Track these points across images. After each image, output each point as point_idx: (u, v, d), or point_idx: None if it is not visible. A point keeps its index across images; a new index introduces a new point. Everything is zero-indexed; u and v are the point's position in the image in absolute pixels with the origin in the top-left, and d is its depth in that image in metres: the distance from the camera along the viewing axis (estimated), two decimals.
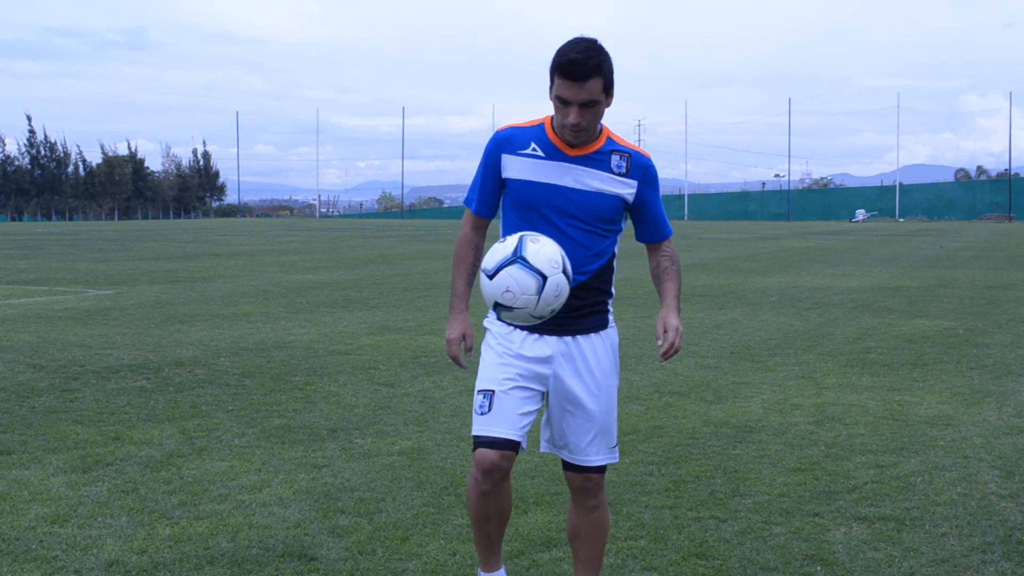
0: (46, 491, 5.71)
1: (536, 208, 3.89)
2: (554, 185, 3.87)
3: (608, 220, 3.93)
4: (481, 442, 3.90)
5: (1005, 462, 6.45)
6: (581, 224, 3.90)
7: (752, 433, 7.19)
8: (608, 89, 3.79)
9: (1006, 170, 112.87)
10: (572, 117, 3.76)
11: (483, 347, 4.05)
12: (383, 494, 5.72)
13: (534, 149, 3.88)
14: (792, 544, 4.95)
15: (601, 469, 4.08)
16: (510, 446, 3.88)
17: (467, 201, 4.11)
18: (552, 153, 3.87)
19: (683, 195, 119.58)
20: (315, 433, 7.15)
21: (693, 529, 5.16)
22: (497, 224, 4.12)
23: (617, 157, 3.90)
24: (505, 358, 3.94)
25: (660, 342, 3.92)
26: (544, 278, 3.67)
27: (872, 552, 4.85)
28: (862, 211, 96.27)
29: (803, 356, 10.69)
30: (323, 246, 37.98)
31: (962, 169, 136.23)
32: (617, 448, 4.12)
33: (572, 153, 3.87)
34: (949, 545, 4.95)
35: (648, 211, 4.01)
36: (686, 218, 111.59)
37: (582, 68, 3.68)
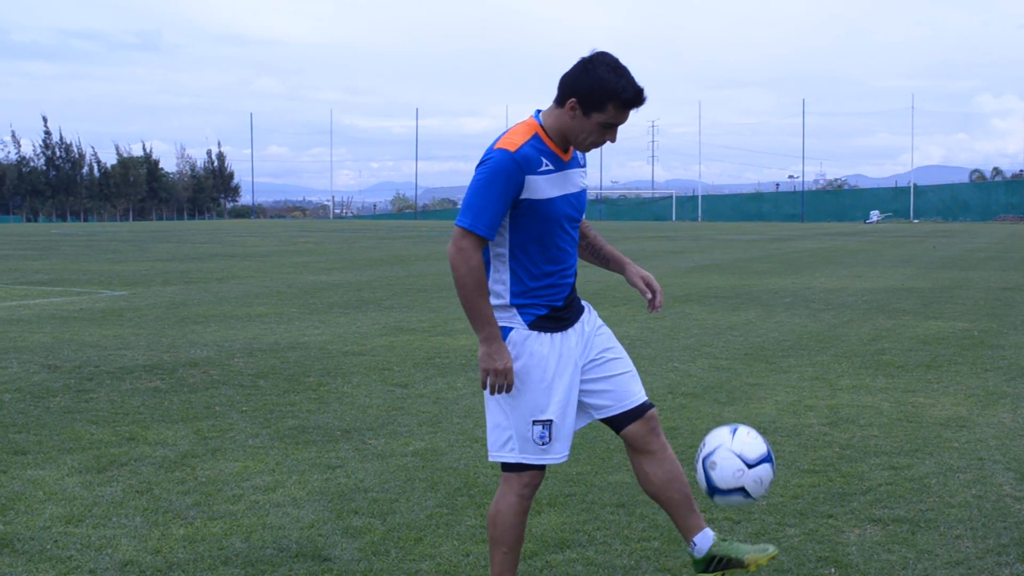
0: (61, 491, 5.74)
1: (556, 221, 3.93)
2: (567, 195, 3.96)
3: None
4: (537, 467, 3.99)
5: (1020, 464, 6.42)
6: (577, 223, 4.09)
7: (766, 434, 7.15)
8: None
9: (1021, 171, 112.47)
10: (611, 139, 3.94)
11: (518, 362, 3.93)
12: (397, 495, 5.72)
13: (546, 165, 3.88)
14: (806, 546, 4.94)
15: (653, 406, 4.22)
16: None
17: (471, 226, 3.79)
18: (558, 164, 3.94)
19: (697, 196, 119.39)
20: (329, 434, 7.16)
21: None
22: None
23: (577, 152, 4.06)
24: (551, 378, 3.95)
25: (648, 295, 4.20)
26: (743, 489, 4.13)
27: (886, 554, 4.84)
28: (876, 212, 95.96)
29: (817, 357, 10.67)
30: (337, 247, 38.04)
31: (977, 170, 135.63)
32: None
33: (566, 158, 3.97)
34: (964, 547, 4.93)
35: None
36: (700, 219, 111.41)
37: (644, 96, 3.85)
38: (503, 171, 3.77)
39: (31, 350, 10.93)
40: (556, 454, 3.96)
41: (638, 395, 4.14)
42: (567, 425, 3.98)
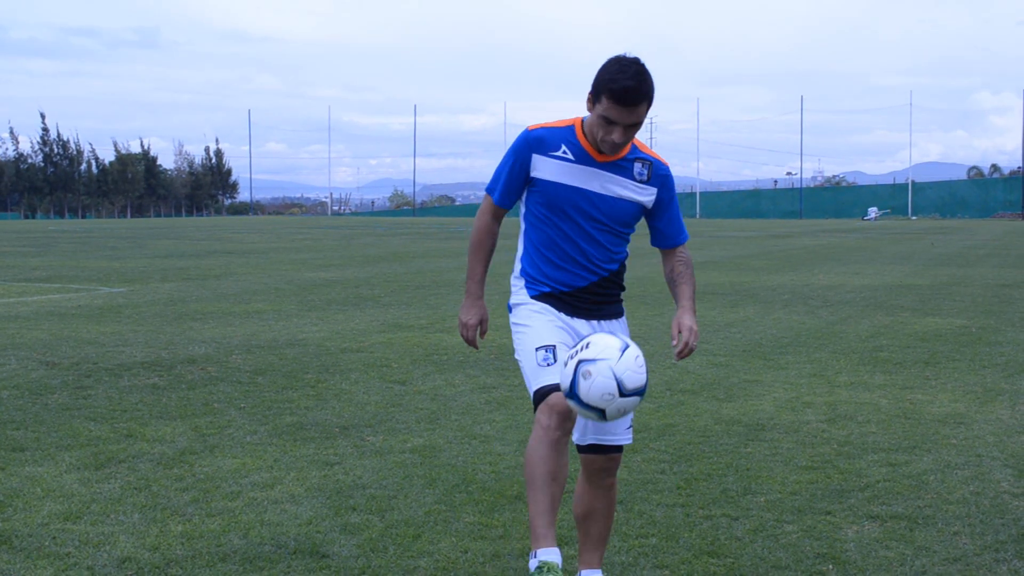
0: (59, 488, 5.74)
1: (563, 209, 4.07)
2: (582, 189, 4.04)
3: (627, 224, 4.16)
4: (550, 388, 3.95)
5: (1018, 460, 6.43)
6: (603, 227, 4.11)
7: (764, 431, 7.18)
8: (650, 108, 3.96)
9: (1019, 168, 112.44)
10: (616, 136, 3.94)
11: (521, 315, 4.17)
12: (395, 491, 5.72)
13: (564, 152, 4.04)
14: (804, 542, 4.94)
15: (620, 449, 4.20)
16: None
17: (489, 190, 4.24)
18: (582, 157, 4.04)
19: (695, 193, 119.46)
20: (327, 430, 7.16)
21: (704, 527, 5.16)
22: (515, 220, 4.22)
23: (639, 165, 4.09)
24: (556, 322, 4.11)
25: (675, 342, 4.07)
26: (603, 411, 3.80)
27: (884, 551, 4.84)
28: (874, 209, 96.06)
29: (815, 354, 10.67)
30: (335, 244, 38.04)
31: (975, 167, 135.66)
32: (631, 428, 4.24)
33: (600, 159, 4.05)
34: (961, 544, 4.93)
35: (664, 217, 4.21)
36: (698, 216, 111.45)
37: (634, 95, 3.86)
38: (515, 145, 4.11)
39: (29, 347, 10.93)
40: (557, 374, 4.00)
41: (611, 437, 4.14)
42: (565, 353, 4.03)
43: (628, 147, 4.08)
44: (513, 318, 4.23)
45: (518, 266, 4.26)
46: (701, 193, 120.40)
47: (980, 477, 6.05)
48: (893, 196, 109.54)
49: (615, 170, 4.05)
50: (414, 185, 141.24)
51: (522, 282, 4.22)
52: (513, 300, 4.25)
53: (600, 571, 4.29)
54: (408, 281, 20.13)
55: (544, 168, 4.06)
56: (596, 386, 3.74)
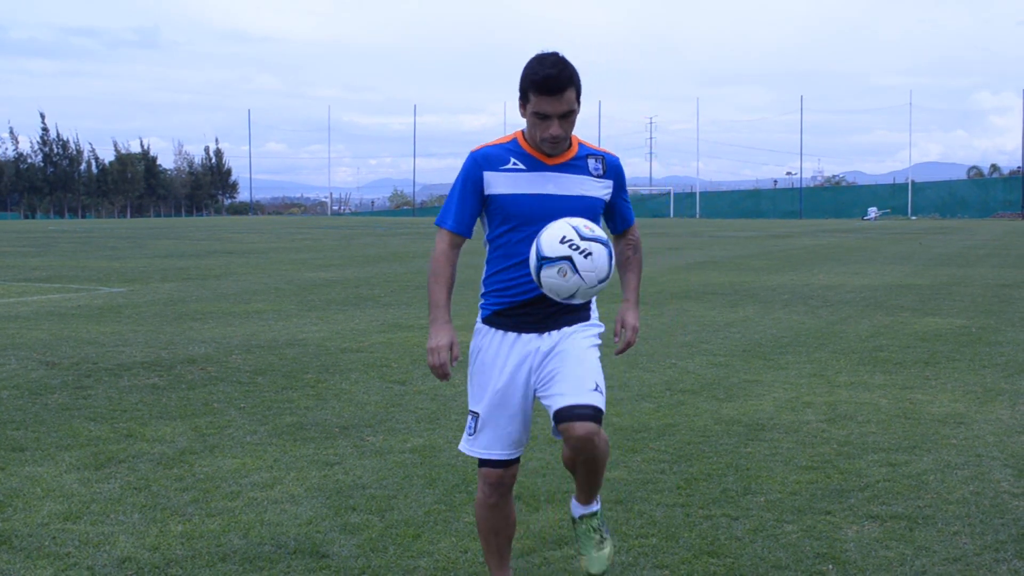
0: (59, 488, 5.74)
1: (525, 219, 4.04)
2: (539, 195, 4.03)
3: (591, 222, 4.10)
4: (486, 462, 4.14)
5: (1018, 460, 6.43)
6: None
7: (764, 431, 7.18)
8: (579, 96, 3.97)
9: (1019, 168, 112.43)
10: (554, 129, 3.93)
11: (471, 357, 4.19)
12: (395, 491, 5.72)
13: (515, 163, 4.04)
14: (804, 542, 4.94)
15: (594, 416, 3.95)
16: (513, 461, 4.15)
17: (439, 222, 4.11)
18: (532, 165, 4.04)
19: (695, 193, 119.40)
20: (327, 430, 7.16)
21: (704, 527, 5.16)
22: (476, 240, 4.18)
23: (593, 160, 4.11)
24: (488, 375, 4.10)
25: (617, 339, 4.12)
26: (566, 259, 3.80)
27: (884, 550, 4.84)
28: (874, 209, 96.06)
29: (815, 354, 10.67)
30: (335, 244, 38.03)
31: (975, 167, 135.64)
32: (600, 395, 4.00)
33: (551, 162, 4.05)
34: (961, 544, 4.93)
35: (618, 206, 4.24)
36: (698, 216, 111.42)
37: (557, 81, 3.86)
38: (464, 169, 4.08)
39: (29, 347, 10.93)
40: (481, 447, 4.12)
41: (577, 395, 3.99)
42: (500, 424, 4.08)
43: (575, 146, 4.07)
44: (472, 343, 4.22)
45: (481, 287, 4.20)
46: (701, 193, 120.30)
47: (980, 477, 6.05)
48: (893, 196, 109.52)
49: (569, 170, 4.04)
50: (414, 185, 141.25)
51: (482, 301, 4.18)
52: (478, 319, 4.21)
53: (591, 507, 4.42)
54: (408, 281, 20.13)
55: (497, 183, 4.02)
56: (551, 237, 3.84)
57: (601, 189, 4.11)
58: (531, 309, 4.06)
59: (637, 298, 4.28)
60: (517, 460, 4.16)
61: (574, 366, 4.00)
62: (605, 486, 5.81)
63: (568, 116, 3.92)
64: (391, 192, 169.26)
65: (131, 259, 27.53)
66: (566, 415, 3.93)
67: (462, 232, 4.09)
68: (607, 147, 4.25)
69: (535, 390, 4.08)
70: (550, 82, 3.84)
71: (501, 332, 4.09)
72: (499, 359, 4.09)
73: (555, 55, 3.93)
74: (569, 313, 4.10)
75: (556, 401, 3.97)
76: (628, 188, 4.30)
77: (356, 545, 4.88)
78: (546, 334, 4.07)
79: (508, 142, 4.08)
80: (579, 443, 3.96)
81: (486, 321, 4.14)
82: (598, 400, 3.98)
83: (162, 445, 6.70)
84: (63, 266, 24.80)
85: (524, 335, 4.07)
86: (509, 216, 4.05)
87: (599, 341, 4.16)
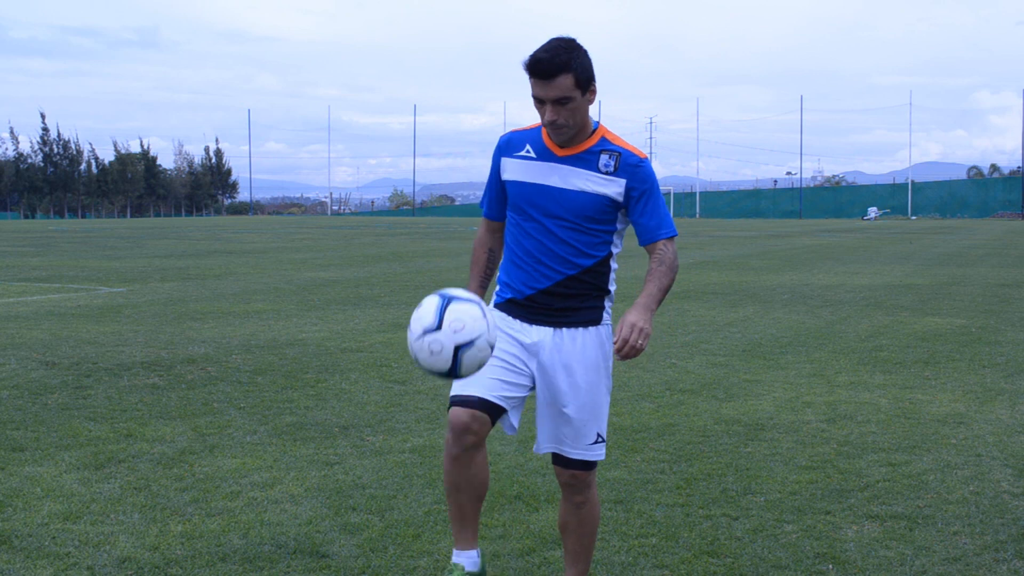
0: (59, 488, 5.73)
1: (524, 208, 4.04)
2: (540, 185, 3.99)
3: (593, 219, 3.98)
4: (454, 401, 3.98)
5: (1018, 460, 6.43)
6: (567, 223, 3.98)
7: (764, 431, 7.18)
8: (584, 85, 3.82)
9: (1019, 168, 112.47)
10: (548, 115, 3.86)
11: None
12: (395, 491, 5.72)
13: (527, 151, 4.03)
14: (804, 542, 4.94)
15: (586, 466, 4.14)
16: (483, 407, 3.93)
17: (480, 204, 4.30)
18: (543, 154, 4.00)
19: (695, 192, 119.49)
20: (327, 430, 7.16)
21: (704, 527, 5.16)
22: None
23: (606, 156, 3.95)
24: (496, 362, 4.04)
25: (616, 339, 3.86)
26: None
27: (884, 550, 4.84)
28: (874, 208, 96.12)
29: (815, 354, 10.67)
30: (335, 243, 38.03)
31: (975, 167, 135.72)
32: (601, 445, 4.13)
33: (561, 153, 3.98)
34: (961, 543, 4.93)
35: (638, 210, 3.99)
36: (698, 215, 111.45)
37: (546, 65, 3.78)
38: (494, 153, 4.17)
39: (29, 347, 10.92)
40: (467, 388, 3.94)
41: (567, 449, 4.11)
42: (484, 369, 3.85)
43: (595, 139, 3.95)
44: None
45: (498, 274, 4.27)
46: (701, 193, 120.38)
47: (980, 477, 6.06)
48: (893, 196, 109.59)
49: (577, 163, 3.94)
50: (414, 185, 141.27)
51: (496, 288, 4.22)
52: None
53: None
54: (408, 281, 20.13)
55: (510, 169, 4.06)
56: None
57: (608, 187, 3.93)
58: (541, 297, 4.03)
59: (648, 301, 3.90)
60: (490, 413, 3.94)
61: (581, 411, 4.05)
62: (604, 486, 5.82)
63: (564, 103, 3.80)
64: (391, 192, 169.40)
65: (131, 259, 27.53)
66: (563, 463, 4.15)
67: (492, 216, 4.22)
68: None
69: (535, 381, 4.06)
70: (539, 65, 3.77)
71: (511, 317, 4.09)
72: (518, 318, 4.07)
73: (560, 39, 3.82)
74: (581, 311, 4.05)
75: (556, 445, 4.12)
76: None
77: (356, 545, 4.88)
78: (556, 330, 4.02)
79: (534, 128, 4.06)
80: (573, 479, 4.15)
81: (499, 307, 4.14)
82: (597, 454, 4.14)
83: (162, 445, 6.70)
84: (63, 266, 24.79)
85: (535, 325, 4.05)
86: (515, 204, 4.07)
87: (610, 366, 4.14)
